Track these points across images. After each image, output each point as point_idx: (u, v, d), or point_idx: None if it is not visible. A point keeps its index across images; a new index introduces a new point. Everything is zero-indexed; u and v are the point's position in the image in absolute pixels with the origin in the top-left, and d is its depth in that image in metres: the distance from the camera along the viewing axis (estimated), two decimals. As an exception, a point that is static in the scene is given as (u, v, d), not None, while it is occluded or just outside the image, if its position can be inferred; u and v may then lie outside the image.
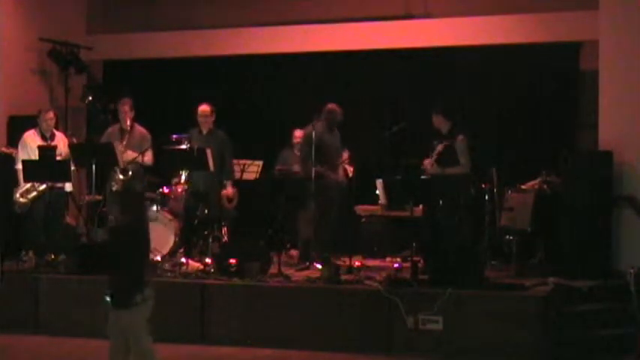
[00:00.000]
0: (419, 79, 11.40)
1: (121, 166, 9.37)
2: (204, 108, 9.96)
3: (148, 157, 9.54)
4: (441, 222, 9.20)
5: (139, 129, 9.75)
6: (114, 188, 9.58)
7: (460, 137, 9.34)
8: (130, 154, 9.49)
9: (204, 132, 9.92)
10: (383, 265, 9.66)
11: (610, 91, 9.48)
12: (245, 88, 11.89)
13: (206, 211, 9.90)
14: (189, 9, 12.25)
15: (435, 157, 9.27)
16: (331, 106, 9.84)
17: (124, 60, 12.46)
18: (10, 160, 9.89)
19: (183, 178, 9.75)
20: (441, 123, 9.50)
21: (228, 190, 9.91)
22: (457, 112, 9.93)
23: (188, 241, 9.78)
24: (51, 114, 9.88)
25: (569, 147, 10.25)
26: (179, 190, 9.88)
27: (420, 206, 9.42)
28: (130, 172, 8.95)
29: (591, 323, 8.11)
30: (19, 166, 9.55)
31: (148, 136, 9.70)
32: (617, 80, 9.43)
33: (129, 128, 9.70)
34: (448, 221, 9.22)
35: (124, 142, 9.59)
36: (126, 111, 9.65)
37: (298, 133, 10.52)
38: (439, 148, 9.30)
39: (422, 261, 8.80)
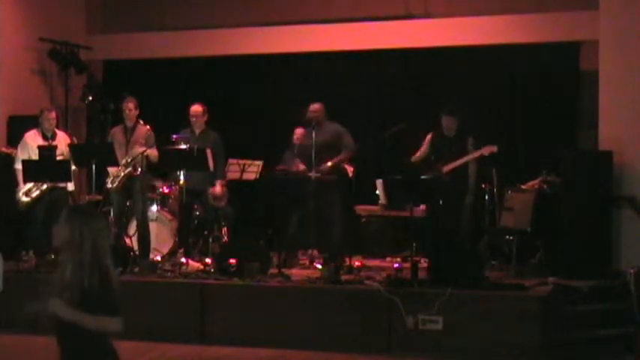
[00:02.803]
0: (419, 79, 11.40)
1: (127, 160, 9.38)
2: (195, 108, 9.93)
3: (154, 153, 9.52)
4: (443, 222, 9.21)
5: (143, 127, 9.74)
6: (109, 183, 9.58)
7: (470, 139, 9.38)
8: (138, 148, 9.48)
9: (197, 132, 9.90)
10: (383, 265, 9.65)
11: (610, 91, 9.48)
12: (245, 88, 11.87)
13: (197, 212, 9.93)
14: (189, 9, 12.24)
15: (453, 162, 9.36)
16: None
17: (124, 60, 12.45)
18: (10, 160, 9.88)
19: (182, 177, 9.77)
20: (452, 124, 9.49)
21: (216, 189, 9.88)
22: (464, 113, 9.97)
23: (185, 240, 9.78)
24: (53, 113, 9.87)
25: (569, 147, 10.26)
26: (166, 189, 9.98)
27: (422, 206, 9.44)
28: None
29: (591, 323, 8.11)
30: (19, 166, 9.54)
31: (152, 133, 9.69)
32: (617, 80, 9.43)
33: (133, 125, 9.68)
34: (450, 221, 9.23)
35: (130, 138, 9.59)
36: (130, 108, 9.63)
37: (299, 131, 10.44)
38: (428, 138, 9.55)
39: (422, 261, 8.79)
